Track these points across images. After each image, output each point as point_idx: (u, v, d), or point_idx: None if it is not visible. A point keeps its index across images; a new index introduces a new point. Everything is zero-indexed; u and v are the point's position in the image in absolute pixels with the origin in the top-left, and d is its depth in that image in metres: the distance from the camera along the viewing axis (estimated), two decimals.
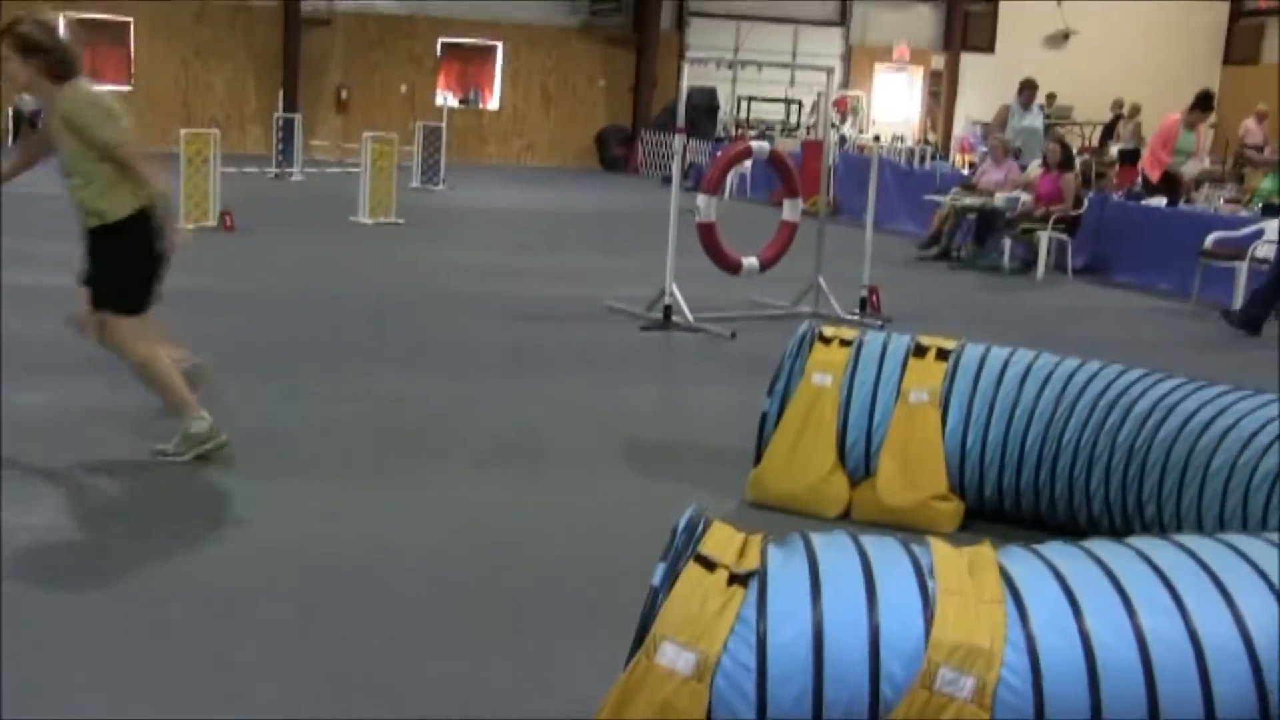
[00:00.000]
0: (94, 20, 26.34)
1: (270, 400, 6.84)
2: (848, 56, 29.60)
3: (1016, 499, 5.23)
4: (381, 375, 7.61)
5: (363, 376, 7.55)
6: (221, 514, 5.07)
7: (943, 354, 5.33)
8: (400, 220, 15.13)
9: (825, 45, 28.82)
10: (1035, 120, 16.16)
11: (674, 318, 9.39)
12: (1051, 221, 13.67)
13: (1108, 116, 22.88)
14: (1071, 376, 5.16)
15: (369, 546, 4.77)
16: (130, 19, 26.52)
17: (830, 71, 11.61)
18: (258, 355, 7.94)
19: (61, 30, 5.64)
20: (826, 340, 5.43)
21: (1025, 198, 14.16)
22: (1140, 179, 15.35)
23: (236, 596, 4.24)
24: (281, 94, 23.98)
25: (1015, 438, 5.14)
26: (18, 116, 25.10)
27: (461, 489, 5.54)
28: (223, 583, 4.35)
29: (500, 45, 28.51)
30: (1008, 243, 14.16)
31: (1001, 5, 30.53)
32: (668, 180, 10.60)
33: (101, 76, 26.67)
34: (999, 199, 14.35)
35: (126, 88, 26.78)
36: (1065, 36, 30.18)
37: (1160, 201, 14.14)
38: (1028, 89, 16.05)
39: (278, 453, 5.92)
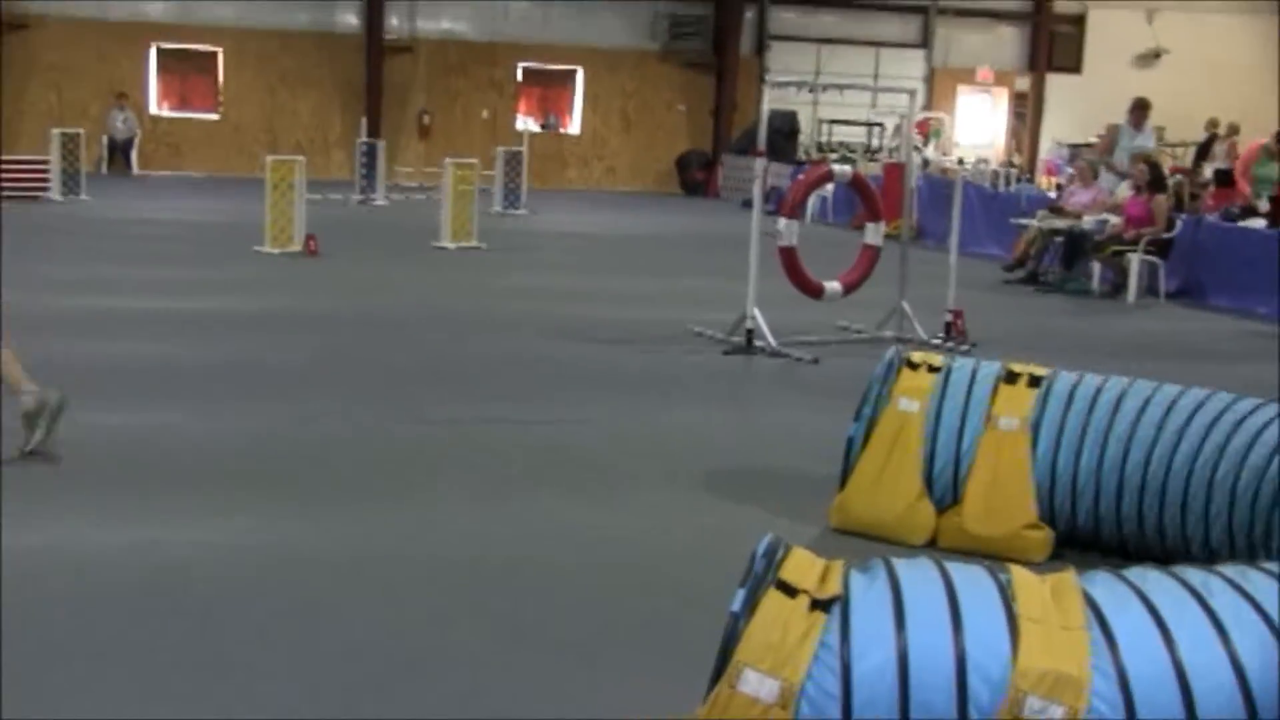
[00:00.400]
0: (183, 50, 26.95)
1: (341, 421, 6.86)
2: (930, 79, 29.39)
3: (1116, 526, 5.07)
4: (460, 397, 7.62)
5: (440, 398, 7.57)
6: (292, 528, 5.09)
7: (1034, 381, 5.23)
8: (482, 245, 15.22)
9: (907, 67, 28.63)
10: (1148, 141, 15.72)
11: (756, 342, 9.33)
12: (1142, 244, 13.43)
13: (1202, 137, 22.48)
14: (1175, 403, 4.99)
15: (439, 566, 4.76)
16: (218, 49, 27.04)
17: (912, 94, 11.52)
18: (335, 376, 8.00)
19: None
20: (914, 366, 5.35)
21: (1114, 220, 13.93)
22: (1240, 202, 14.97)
23: (291, 614, 4.24)
24: (365, 120, 24.29)
25: (1112, 464, 4.99)
26: (111, 145, 25.71)
27: (538, 512, 5.51)
28: (279, 601, 4.36)
29: (580, 70, 28.68)
30: (1096, 266, 13.93)
31: (1089, 25, 30.15)
32: (748, 204, 10.56)
33: (190, 104, 27.30)
34: (1087, 221, 14.13)
35: (215, 116, 27.32)
36: (1156, 55, 29.72)
37: (1259, 223, 13.80)
38: (1140, 109, 15.67)
39: (353, 470, 5.94)
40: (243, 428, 6.63)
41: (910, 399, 5.24)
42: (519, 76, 28.44)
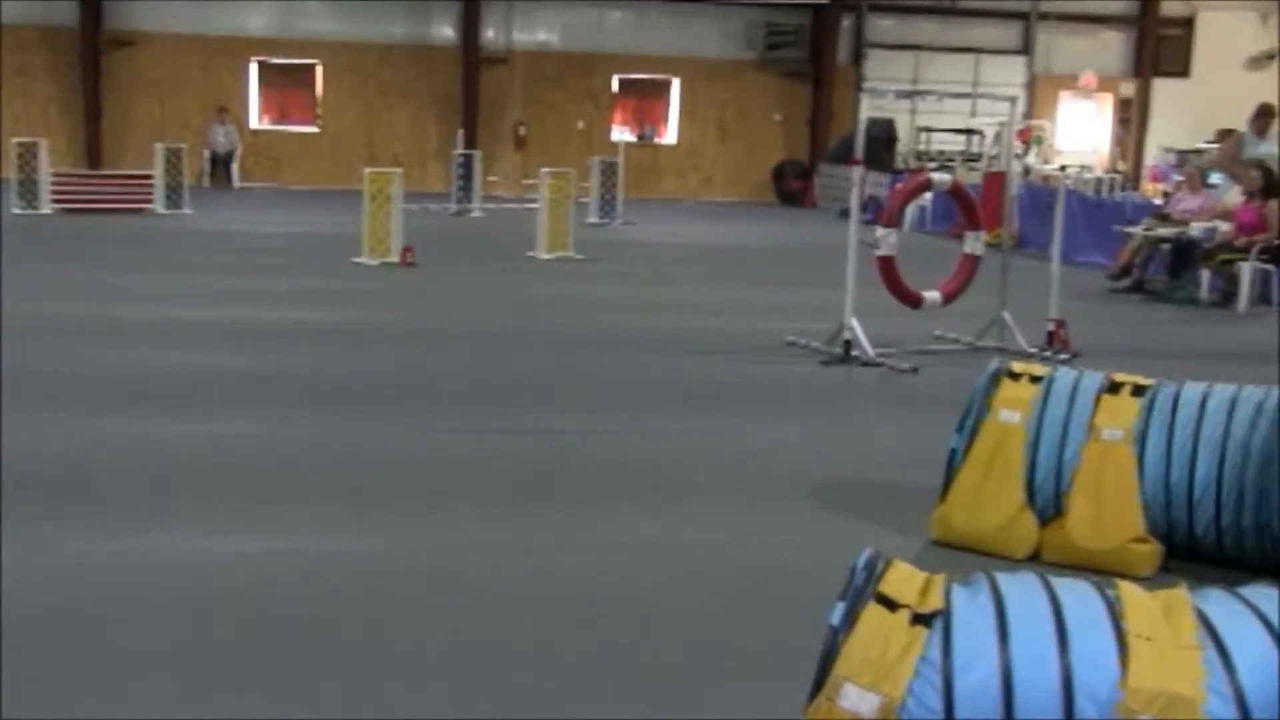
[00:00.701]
0: (282, 64, 27.42)
1: (429, 432, 6.86)
2: (1031, 85, 28.97)
3: (1238, 538, 4.87)
4: (551, 409, 7.59)
5: (531, 409, 7.54)
6: (367, 542, 5.08)
7: (1138, 390, 5.08)
8: (578, 255, 15.25)
9: (1008, 74, 28.26)
10: (1272, 148, 15.25)
11: (854, 352, 9.21)
12: (1254, 252, 13.08)
13: None
14: None
15: (520, 581, 4.70)
16: (317, 62, 27.45)
17: (1013, 101, 11.34)
18: (426, 387, 8.02)
19: None
20: (1015, 376, 5.24)
21: (1224, 227, 13.59)
22: None
23: (368, 632, 4.23)
24: (461, 132, 24.48)
25: (1231, 473, 4.81)
26: (213, 158, 26.20)
27: (631, 525, 5.46)
28: (349, 617, 4.35)
29: (676, 80, 28.68)
30: (1205, 274, 13.59)
31: (1198, 27, 29.49)
32: (845, 213, 10.46)
33: (289, 117, 27.77)
34: (1195, 228, 13.81)
35: (313, 129, 27.74)
36: (1270, 58, 28.94)
37: None
38: (1264, 115, 15.20)
39: (439, 481, 5.93)
40: (329, 438, 6.65)
41: (1011, 410, 5.12)
42: (614, 87, 28.52)
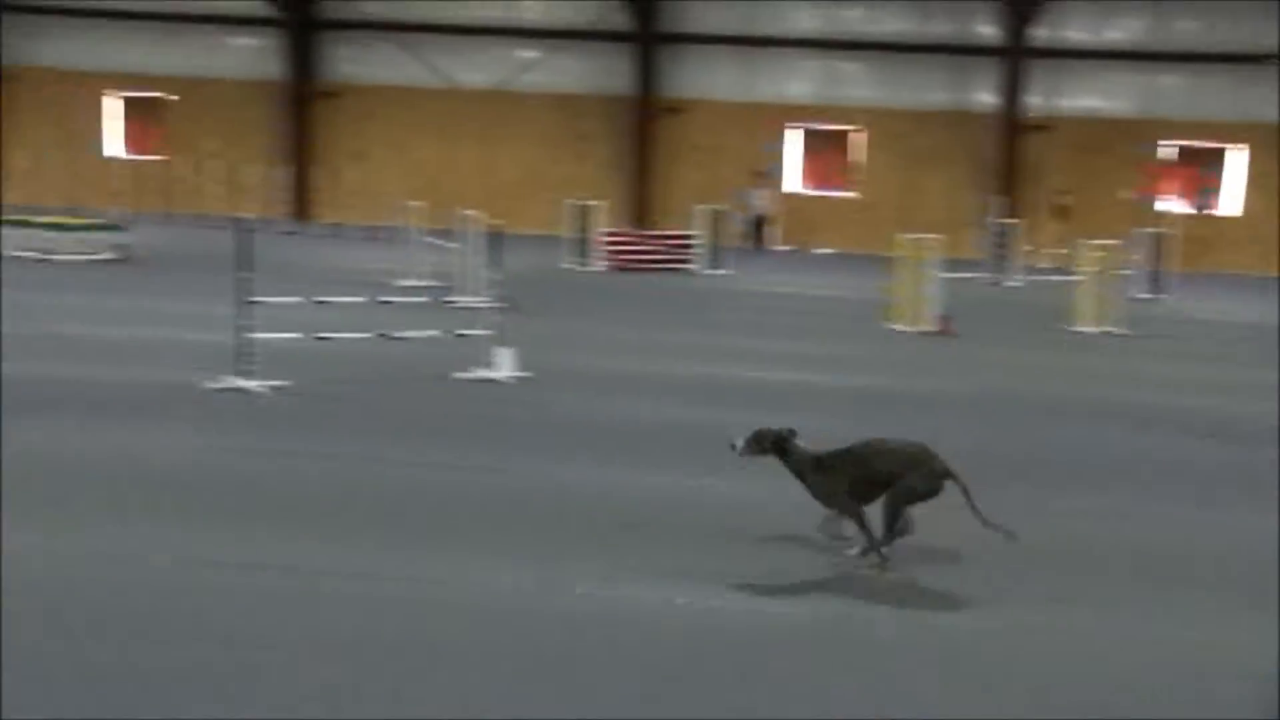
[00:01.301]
0: (819, 130, 28.05)
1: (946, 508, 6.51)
2: None
3: None
4: (1068, 488, 7.06)
5: (1053, 489, 7.05)
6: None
7: None
8: (1124, 330, 14.38)
9: None
10: None
11: None
12: None
13: None
14: None
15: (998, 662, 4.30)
16: (856, 128, 27.82)
17: None
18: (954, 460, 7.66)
19: None
20: None
21: None
22: None
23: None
24: (998, 199, 23.92)
25: None
26: (750, 220, 27.04)
27: (1108, 613, 5.04)
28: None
29: (1239, 147, 26.78)
30: None
31: None
32: None
33: (826, 182, 28.34)
34: None
35: (851, 194, 28.08)
36: None
37: None
38: None
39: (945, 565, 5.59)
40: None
41: None
42: (1167, 154, 27.01)
